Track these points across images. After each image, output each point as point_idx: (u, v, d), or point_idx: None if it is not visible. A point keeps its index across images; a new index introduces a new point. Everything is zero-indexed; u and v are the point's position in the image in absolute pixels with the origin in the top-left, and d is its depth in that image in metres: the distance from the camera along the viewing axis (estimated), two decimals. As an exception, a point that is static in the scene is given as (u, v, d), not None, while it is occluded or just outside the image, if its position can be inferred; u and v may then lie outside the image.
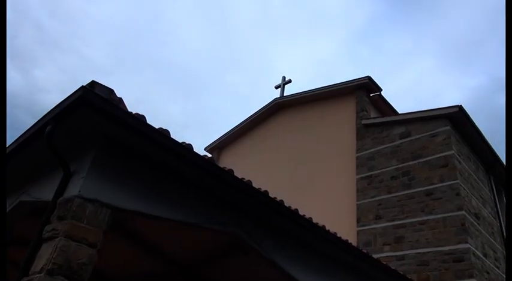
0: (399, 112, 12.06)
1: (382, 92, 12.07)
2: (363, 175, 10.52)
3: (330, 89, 12.99)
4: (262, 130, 15.00)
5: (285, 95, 14.86)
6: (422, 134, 9.89)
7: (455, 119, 9.71)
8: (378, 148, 10.68)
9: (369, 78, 11.93)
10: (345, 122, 12.00)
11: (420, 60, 45.40)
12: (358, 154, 10.99)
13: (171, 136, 3.26)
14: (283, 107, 14.70)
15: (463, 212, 8.43)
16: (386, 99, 12.14)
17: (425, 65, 43.69)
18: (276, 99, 14.76)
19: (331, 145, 11.99)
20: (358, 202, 10.15)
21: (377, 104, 12.29)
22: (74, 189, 2.92)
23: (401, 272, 5.30)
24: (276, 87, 15.70)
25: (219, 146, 16.01)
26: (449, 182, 8.87)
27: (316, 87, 13.36)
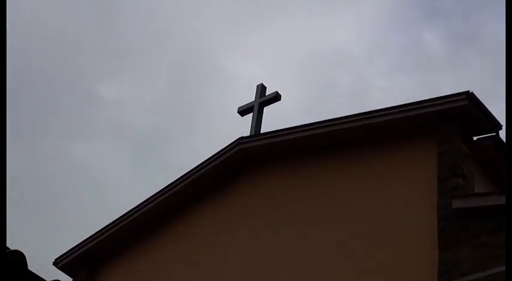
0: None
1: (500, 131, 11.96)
2: None
3: (369, 119, 12.70)
4: (204, 217, 14.97)
5: (262, 131, 14.97)
6: None
7: None
8: (494, 271, 10.08)
9: (470, 96, 11.28)
10: (409, 202, 11.81)
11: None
12: (445, 285, 10.71)
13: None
14: (256, 159, 14.61)
15: None
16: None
17: None
18: (239, 140, 14.47)
19: (375, 260, 11.64)
20: None
21: (490, 160, 12.06)
22: None
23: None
24: (242, 113, 15.79)
25: (93, 255, 15.68)
26: None
27: (335, 116, 13.12)
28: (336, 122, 13.05)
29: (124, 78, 43.00)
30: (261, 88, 15.71)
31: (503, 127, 11.58)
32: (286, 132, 13.81)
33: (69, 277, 15.68)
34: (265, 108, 15.41)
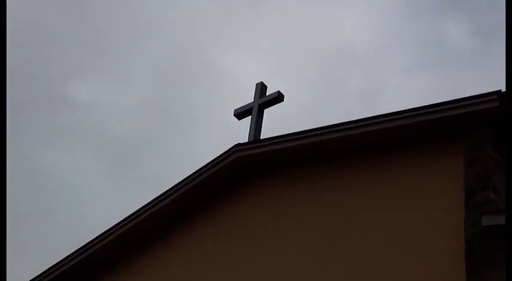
0: None
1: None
2: None
3: (383, 124, 12.39)
4: (197, 232, 14.83)
5: (262, 137, 14.76)
6: None
7: None
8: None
9: (503, 97, 10.99)
10: (431, 219, 11.46)
11: None
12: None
13: None
14: (255, 168, 14.43)
15: None
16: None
17: None
18: (236, 147, 14.22)
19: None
20: None
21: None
22: None
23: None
24: (239, 116, 15.63)
25: (72, 275, 15.32)
26: None
27: (344, 120, 12.73)
28: (345, 127, 12.70)
29: (101, 76, 41.43)
30: (261, 87, 15.38)
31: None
32: (289, 138, 13.47)
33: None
34: (265, 110, 15.16)
